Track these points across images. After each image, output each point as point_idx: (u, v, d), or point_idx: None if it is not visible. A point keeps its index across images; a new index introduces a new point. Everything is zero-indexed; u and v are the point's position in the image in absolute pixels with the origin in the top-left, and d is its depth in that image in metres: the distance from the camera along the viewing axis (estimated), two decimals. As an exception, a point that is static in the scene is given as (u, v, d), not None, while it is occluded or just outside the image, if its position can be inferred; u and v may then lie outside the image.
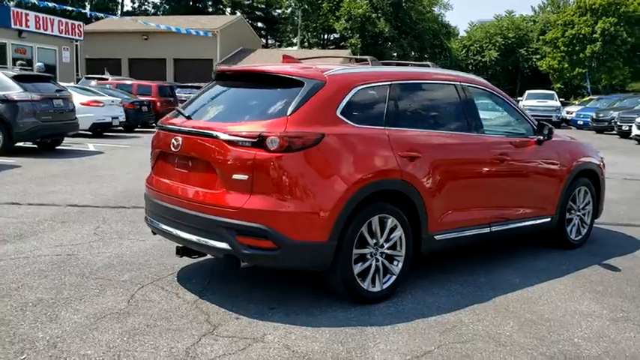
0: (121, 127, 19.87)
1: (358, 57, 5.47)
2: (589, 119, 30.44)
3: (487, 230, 5.41)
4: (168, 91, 24.78)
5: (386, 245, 4.59)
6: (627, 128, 25.73)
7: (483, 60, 48.12)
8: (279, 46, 58.75)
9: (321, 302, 4.57)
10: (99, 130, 18.17)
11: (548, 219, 6.10)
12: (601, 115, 29.28)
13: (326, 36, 53.39)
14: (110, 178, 10.30)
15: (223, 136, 4.22)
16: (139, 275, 5.13)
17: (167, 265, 5.42)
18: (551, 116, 31.79)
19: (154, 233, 5.13)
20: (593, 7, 40.17)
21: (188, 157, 4.51)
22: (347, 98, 4.48)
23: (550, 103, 32.88)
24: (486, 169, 5.35)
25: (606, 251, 6.47)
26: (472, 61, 49.34)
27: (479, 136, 5.42)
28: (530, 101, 32.80)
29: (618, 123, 26.61)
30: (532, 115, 26.98)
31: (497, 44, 47.41)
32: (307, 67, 4.81)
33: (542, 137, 5.95)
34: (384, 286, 4.62)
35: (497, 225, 5.51)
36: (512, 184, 5.65)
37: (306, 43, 52.27)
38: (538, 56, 47.17)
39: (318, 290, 4.78)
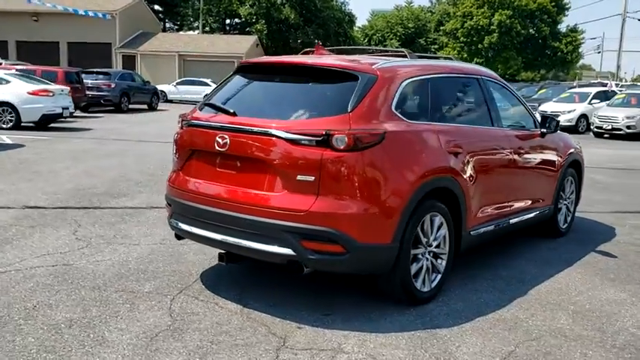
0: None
1: (394, 49, 5.28)
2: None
3: (507, 223, 5.47)
4: (75, 77, 23.17)
5: (434, 244, 4.50)
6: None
7: (385, 49, 49.27)
8: (178, 30, 56.86)
9: (371, 306, 4.42)
10: (43, 123, 16.57)
11: (548, 209, 6.29)
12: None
13: (229, 21, 52.30)
14: (51, 175, 9.44)
15: (285, 135, 3.93)
16: (161, 285, 4.71)
17: (183, 272, 5.03)
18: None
19: (179, 237, 4.73)
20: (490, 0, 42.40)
21: (238, 157, 4.17)
22: (398, 93, 4.32)
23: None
24: (509, 162, 5.40)
25: (591, 238, 6.77)
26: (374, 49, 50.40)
27: (502, 129, 5.46)
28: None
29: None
30: None
31: (399, 34, 48.69)
32: (355, 59, 4.59)
33: (545, 130, 6.10)
34: (432, 286, 4.54)
35: (515, 217, 5.59)
36: (527, 176, 5.75)
37: (207, 28, 50.91)
38: (436, 46, 48.97)
39: (354, 292, 4.64)
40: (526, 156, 5.70)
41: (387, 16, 50.83)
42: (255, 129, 4.05)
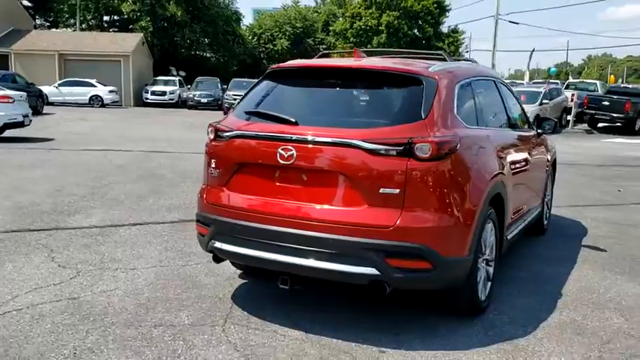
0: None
1: (431, 52, 5.10)
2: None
3: (523, 225, 5.52)
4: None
5: (487, 252, 4.41)
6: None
7: (275, 48, 49.00)
8: (51, 27, 52.98)
9: (432, 321, 4.26)
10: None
11: (540, 208, 6.45)
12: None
13: (107, 17, 49.43)
14: (-23, 192, 8.31)
15: (367, 145, 3.64)
16: (198, 314, 4.24)
17: (211, 297, 4.58)
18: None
19: (217, 260, 4.28)
20: (378, 1, 43.44)
21: (306, 170, 3.81)
22: (456, 97, 4.17)
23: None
24: (525, 163, 5.44)
25: (571, 234, 7.07)
26: (264, 49, 49.94)
27: (519, 132, 5.49)
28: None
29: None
30: None
31: (287, 33, 48.64)
32: (408, 63, 4.37)
33: (541, 131, 6.24)
34: (487, 294, 4.45)
35: (527, 218, 5.67)
36: (533, 177, 5.84)
37: (84, 25, 47.85)
38: (324, 46, 49.51)
39: (401, 306, 4.47)
40: (533, 157, 5.79)
41: (274, 15, 50.63)
42: (331, 139, 3.72)
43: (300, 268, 3.82)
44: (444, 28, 46.87)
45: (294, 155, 3.77)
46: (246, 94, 4.47)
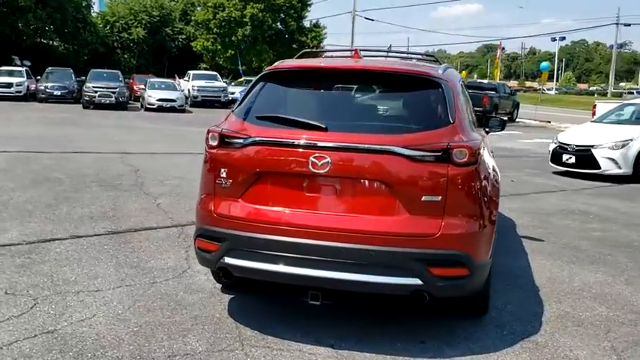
0: None
1: (423, 53, 5.03)
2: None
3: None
4: None
5: (488, 252, 4.49)
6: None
7: (130, 37, 46.49)
8: None
9: (447, 325, 4.26)
10: None
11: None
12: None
13: None
14: None
15: (407, 152, 3.51)
16: (207, 339, 3.89)
17: (208, 318, 4.23)
18: (219, 97, 33.04)
19: (227, 278, 3.94)
20: (241, -8, 42.86)
21: (340, 179, 3.59)
22: (462, 100, 4.18)
23: (217, 84, 33.98)
24: (494, 163, 5.60)
25: (503, 224, 7.43)
26: (118, 38, 47.13)
27: (482, 132, 5.64)
28: (198, 82, 33.25)
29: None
30: (203, 97, 28.34)
31: (144, 22, 46.33)
32: (418, 64, 4.29)
33: (489, 129, 6.48)
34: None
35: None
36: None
37: None
38: (184, 36, 47.92)
39: (401, 312, 4.42)
40: (493, 156, 5.99)
41: (129, 3, 47.96)
42: (370, 146, 3.55)
43: (337, 282, 3.62)
44: (306, 23, 47.51)
45: (330, 163, 3.54)
46: (245, 96, 4.13)
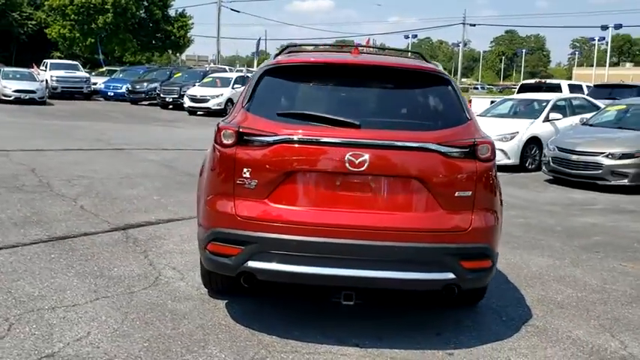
0: None
1: (409, 50, 5.05)
2: (123, 90, 31.06)
3: None
4: None
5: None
6: (170, 99, 27.77)
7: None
8: None
9: (451, 317, 4.39)
10: None
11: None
12: (137, 86, 30.38)
13: None
14: None
15: (441, 148, 3.57)
16: (228, 349, 3.71)
17: (216, 326, 4.03)
18: (82, 88, 31.02)
19: (249, 283, 3.75)
20: (102, -24, 40.21)
21: (376, 176, 3.55)
22: None
23: (79, 74, 31.83)
24: None
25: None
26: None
27: None
28: (57, 72, 30.90)
29: (161, 95, 28.31)
30: (63, 88, 26.75)
31: (-14, 5, 42.02)
32: (422, 62, 4.32)
33: None
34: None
35: None
36: None
37: None
38: (34, 22, 44.13)
39: (404, 306, 4.52)
40: None
41: (-33, -17, 43.20)
42: (407, 144, 3.54)
43: (372, 281, 3.60)
44: (172, 12, 45.83)
45: (368, 161, 3.49)
46: (253, 92, 3.92)
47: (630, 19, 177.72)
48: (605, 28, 56.32)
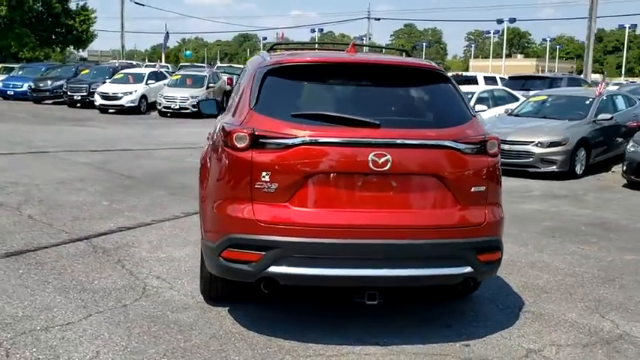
0: None
1: (398, 47, 5.05)
2: (24, 89, 29.18)
3: None
4: None
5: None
6: (79, 97, 26.41)
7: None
8: None
9: (456, 310, 4.49)
10: None
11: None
12: (41, 84, 28.63)
13: None
14: None
15: (458, 146, 3.64)
16: (256, 357, 3.63)
17: (231, 335, 3.92)
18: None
19: (270, 289, 3.65)
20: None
21: (397, 175, 3.56)
22: None
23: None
24: None
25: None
26: None
27: None
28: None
29: (69, 93, 26.85)
30: None
31: None
32: (417, 59, 4.36)
33: None
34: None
35: None
36: None
37: None
38: None
39: (406, 301, 4.59)
40: None
41: None
42: (427, 142, 3.58)
43: (396, 279, 3.63)
44: (72, 5, 43.41)
45: (390, 161, 3.50)
46: (259, 92, 3.81)
47: (520, 14, 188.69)
48: (500, 21, 59.38)
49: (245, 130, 3.59)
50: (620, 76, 66.22)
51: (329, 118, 3.63)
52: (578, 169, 11.03)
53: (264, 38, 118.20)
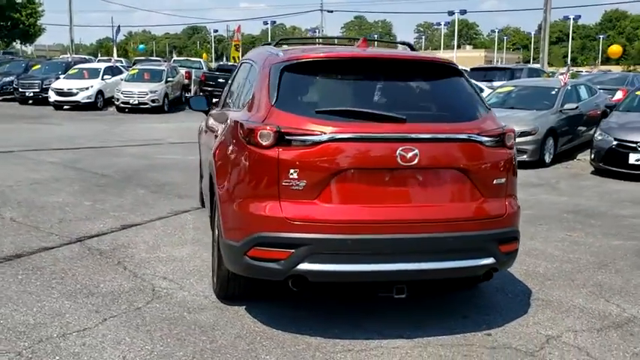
0: None
1: (400, 41, 5.05)
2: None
3: None
4: None
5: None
6: (31, 94, 25.49)
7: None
8: None
9: (468, 301, 4.58)
10: None
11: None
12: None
13: None
14: None
15: (481, 139, 3.70)
16: (287, 355, 3.61)
17: (252, 333, 3.88)
18: None
19: (299, 286, 3.63)
20: None
21: (424, 169, 3.59)
22: None
23: None
24: None
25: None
26: None
27: None
28: None
29: (20, 90, 25.89)
30: None
31: None
32: (428, 53, 4.38)
33: None
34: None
35: None
36: None
37: None
38: None
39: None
40: None
41: None
42: (452, 136, 3.63)
43: (424, 272, 3.68)
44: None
45: (417, 155, 3.52)
46: (277, 88, 3.77)
47: (467, 5, 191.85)
48: (452, 13, 60.35)
49: (269, 127, 3.55)
50: (565, 66, 68.24)
51: (354, 114, 3.64)
52: (547, 158, 11.35)
53: (216, 31, 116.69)
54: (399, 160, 3.53)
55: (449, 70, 4.10)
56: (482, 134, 3.74)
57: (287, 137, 3.53)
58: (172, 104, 23.99)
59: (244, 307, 4.26)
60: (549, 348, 3.74)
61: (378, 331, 3.90)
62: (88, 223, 6.38)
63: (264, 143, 3.55)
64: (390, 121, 3.61)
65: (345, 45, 4.81)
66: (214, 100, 6.48)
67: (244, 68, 4.95)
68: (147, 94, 22.70)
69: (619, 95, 14.96)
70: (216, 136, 4.60)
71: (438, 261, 3.66)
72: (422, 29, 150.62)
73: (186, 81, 26.96)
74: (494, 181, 3.79)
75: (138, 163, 10.53)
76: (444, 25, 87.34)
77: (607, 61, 76.98)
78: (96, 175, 9.31)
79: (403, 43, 5.10)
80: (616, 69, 49.48)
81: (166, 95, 23.33)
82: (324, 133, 3.51)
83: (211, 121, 5.67)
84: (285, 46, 4.64)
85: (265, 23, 75.58)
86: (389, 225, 3.55)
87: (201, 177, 7.38)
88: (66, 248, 5.53)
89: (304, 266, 3.53)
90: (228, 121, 4.22)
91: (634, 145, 9.98)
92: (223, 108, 5.49)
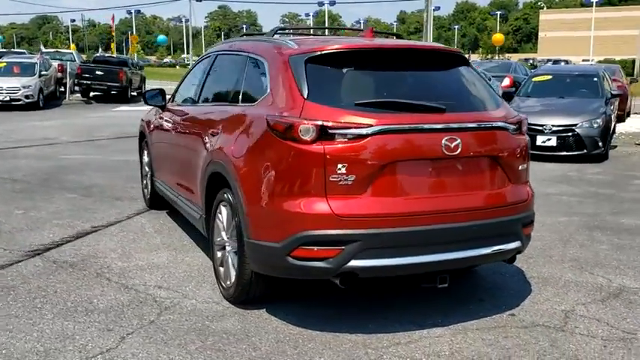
0: None
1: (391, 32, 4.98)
2: None
3: None
4: None
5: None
6: None
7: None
8: None
9: (489, 283, 4.70)
10: None
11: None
12: None
13: None
14: None
15: (509, 126, 3.85)
16: (335, 357, 3.49)
17: (291, 336, 3.73)
18: None
19: (347, 284, 3.55)
20: None
21: (464, 159, 3.63)
22: None
23: None
24: None
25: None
26: None
27: None
28: None
29: None
30: None
31: None
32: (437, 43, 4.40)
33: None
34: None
35: None
36: None
37: None
38: None
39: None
40: None
41: None
42: (489, 124, 3.73)
43: (465, 260, 3.75)
44: None
45: (461, 145, 3.56)
46: (308, 82, 3.62)
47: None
48: (321, 4, 61.35)
49: (309, 122, 3.41)
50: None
51: (394, 105, 3.59)
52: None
53: (73, 20, 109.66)
54: (443, 150, 3.55)
55: (462, 60, 4.18)
56: (507, 121, 3.86)
57: (330, 131, 3.41)
58: (47, 100, 22.24)
59: (264, 309, 4.08)
60: (572, 322, 3.96)
61: (412, 322, 3.91)
62: (34, 234, 5.77)
63: (305, 138, 3.41)
64: (430, 111, 3.62)
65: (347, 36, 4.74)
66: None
67: (232, 60, 4.69)
68: (19, 90, 20.80)
69: (506, 82, 16.06)
70: (214, 134, 4.33)
71: (478, 248, 3.74)
72: (287, 19, 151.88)
73: (59, 74, 25.07)
74: (520, 167, 3.94)
75: (45, 165, 9.67)
76: (309, 16, 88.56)
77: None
78: (5, 180, 8.43)
79: (393, 34, 5.12)
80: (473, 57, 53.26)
81: (41, 90, 21.52)
82: (371, 126, 3.43)
83: (179, 118, 5.35)
84: (284, 37, 4.46)
85: (129, 12, 72.12)
86: (436, 215, 3.57)
87: (144, 176, 6.95)
88: (27, 263, 4.96)
89: (355, 263, 3.44)
90: (239, 116, 4.00)
91: (540, 127, 10.78)
92: (195, 104, 5.19)
